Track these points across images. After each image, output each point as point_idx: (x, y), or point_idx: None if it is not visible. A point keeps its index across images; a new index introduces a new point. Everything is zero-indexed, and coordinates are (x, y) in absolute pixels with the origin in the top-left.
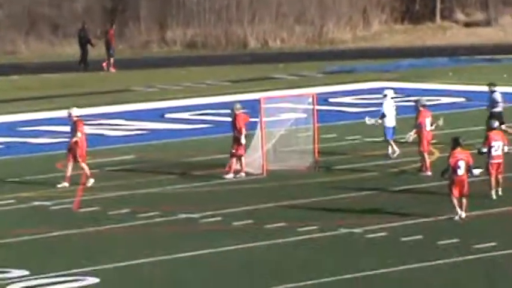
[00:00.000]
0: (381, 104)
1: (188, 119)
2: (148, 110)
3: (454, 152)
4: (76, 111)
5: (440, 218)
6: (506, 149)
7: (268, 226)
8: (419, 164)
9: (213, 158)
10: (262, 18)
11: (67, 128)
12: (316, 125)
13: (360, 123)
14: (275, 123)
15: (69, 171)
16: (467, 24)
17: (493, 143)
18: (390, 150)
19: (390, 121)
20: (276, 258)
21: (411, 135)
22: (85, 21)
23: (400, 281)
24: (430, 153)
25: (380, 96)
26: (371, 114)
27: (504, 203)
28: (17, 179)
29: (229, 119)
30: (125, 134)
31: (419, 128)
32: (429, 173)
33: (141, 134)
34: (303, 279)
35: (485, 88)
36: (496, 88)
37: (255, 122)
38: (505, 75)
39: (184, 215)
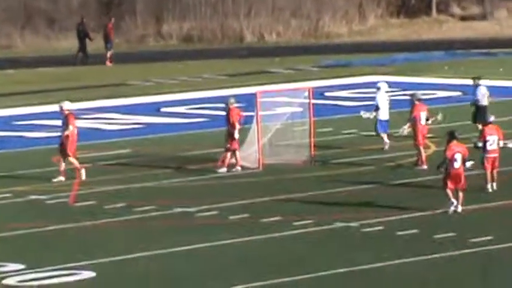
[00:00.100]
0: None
1: (184, 113)
2: (144, 104)
3: (451, 145)
4: (67, 105)
5: (436, 211)
6: (501, 143)
7: (265, 220)
8: (415, 158)
9: (209, 152)
10: (259, 12)
11: None
12: (312, 118)
13: (356, 117)
14: (271, 117)
15: (63, 165)
16: (463, 18)
17: (488, 137)
18: (387, 145)
19: (384, 114)
20: (272, 252)
21: (405, 129)
22: (83, 15)
23: (396, 275)
24: (426, 147)
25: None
26: (367, 108)
27: (500, 197)
28: (12, 173)
29: (225, 113)
30: (121, 128)
31: (413, 121)
32: (425, 167)
33: (137, 128)
34: (300, 273)
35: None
36: (481, 82)
37: (251, 116)
38: (501, 69)
39: (180, 209)
